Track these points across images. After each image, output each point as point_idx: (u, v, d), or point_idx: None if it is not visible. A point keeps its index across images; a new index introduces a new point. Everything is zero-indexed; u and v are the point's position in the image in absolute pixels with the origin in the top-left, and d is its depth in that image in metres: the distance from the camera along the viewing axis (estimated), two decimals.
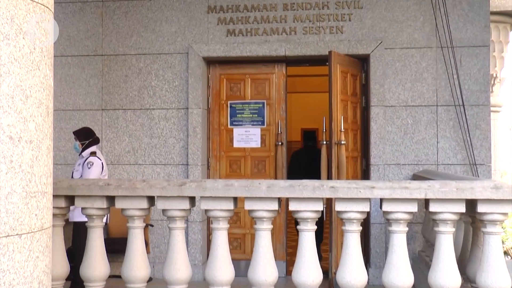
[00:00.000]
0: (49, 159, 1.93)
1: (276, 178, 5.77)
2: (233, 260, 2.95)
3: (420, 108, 5.59)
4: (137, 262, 2.93)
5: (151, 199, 2.95)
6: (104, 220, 3.13)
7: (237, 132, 5.97)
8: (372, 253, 5.55)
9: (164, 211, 2.95)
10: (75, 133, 5.04)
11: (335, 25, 5.70)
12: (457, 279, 2.77)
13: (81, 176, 4.79)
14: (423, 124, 5.58)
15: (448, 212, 2.75)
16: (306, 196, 2.78)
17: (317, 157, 6.80)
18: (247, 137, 5.96)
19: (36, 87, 1.82)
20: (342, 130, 5.23)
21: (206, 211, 2.92)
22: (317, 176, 5.58)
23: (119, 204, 2.92)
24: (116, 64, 5.95)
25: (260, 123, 5.96)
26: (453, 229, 2.83)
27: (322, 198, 2.81)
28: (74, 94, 5.99)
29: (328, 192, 2.77)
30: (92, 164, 4.79)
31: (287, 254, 5.96)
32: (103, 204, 2.92)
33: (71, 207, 3.14)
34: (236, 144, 5.98)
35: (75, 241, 4.61)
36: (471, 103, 5.52)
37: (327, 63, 5.23)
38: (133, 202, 2.90)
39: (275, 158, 5.88)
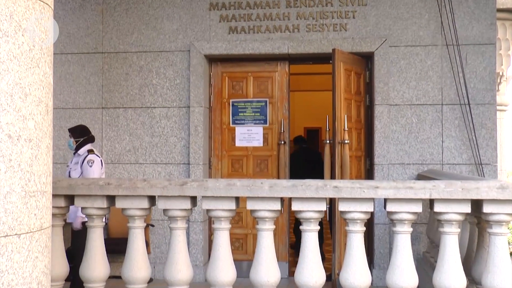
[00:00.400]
0: (49, 158, 1.91)
1: (278, 177, 5.75)
2: (235, 260, 2.93)
3: (425, 107, 5.55)
4: (137, 263, 2.91)
5: (152, 199, 2.93)
6: (104, 220, 3.10)
7: (239, 131, 5.94)
8: (376, 254, 5.53)
9: (165, 211, 2.93)
10: (70, 130, 5.00)
11: (339, 23, 5.66)
12: (462, 280, 2.75)
13: (81, 174, 4.75)
14: (428, 123, 5.54)
15: (453, 213, 2.73)
16: (309, 196, 2.76)
17: (314, 157, 6.93)
18: (249, 136, 5.93)
19: (35, 85, 1.81)
20: (346, 129, 5.20)
21: (208, 211, 2.90)
22: (316, 175, 5.59)
23: (119, 204, 2.90)
24: (117, 61, 5.92)
25: (262, 121, 5.92)
26: (458, 230, 2.81)
27: (325, 198, 2.79)
28: (74, 92, 5.97)
29: (332, 192, 2.75)
30: (93, 162, 4.76)
31: (289, 254, 5.93)
32: (103, 203, 2.90)
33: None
34: (238, 143, 5.95)
35: (74, 241, 4.58)
36: (477, 101, 5.48)
37: (330, 61, 5.20)
38: (134, 202, 2.88)
39: (277, 157, 5.85)
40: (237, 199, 2.86)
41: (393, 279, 2.76)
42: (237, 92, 5.99)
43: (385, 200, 2.78)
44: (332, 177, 5.02)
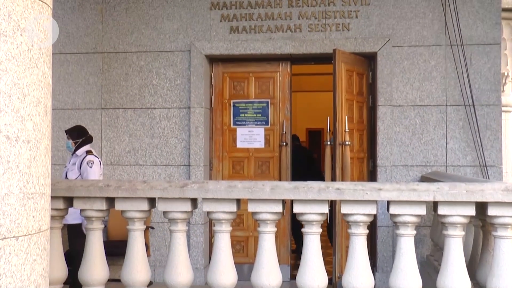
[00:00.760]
0: (47, 160, 1.90)
1: (280, 179, 5.72)
2: (236, 263, 2.91)
3: (429, 108, 5.52)
4: (137, 266, 2.89)
5: (152, 201, 2.92)
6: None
7: (241, 132, 5.91)
8: (379, 257, 5.49)
9: (165, 213, 2.91)
10: (67, 131, 4.96)
11: (342, 22, 5.63)
12: (467, 284, 2.73)
13: (80, 175, 4.72)
14: (431, 124, 5.50)
15: (458, 215, 2.71)
16: (311, 198, 2.74)
17: (305, 155, 7.12)
18: (250, 137, 5.90)
19: (34, 85, 1.80)
20: (347, 130, 5.17)
21: (208, 213, 2.89)
22: (306, 173, 5.74)
23: (119, 206, 2.89)
24: (116, 62, 5.89)
25: (264, 123, 5.89)
26: (463, 233, 2.79)
27: (328, 200, 2.77)
28: (73, 92, 5.94)
29: (334, 194, 2.73)
30: (93, 162, 4.73)
31: (291, 257, 5.90)
32: (103, 205, 2.88)
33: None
34: (239, 145, 5.92)
35: (73, 243, 4.56)
36: (482, 102, 5.44)
37: (332, 62, 5.16)
38: (134, 204, 2.87)
39: (279, 159, 5.82)
40: (238, 201, 2.84)
41: (396, 283, 2.74)
42: (238, 93, 5.96)
43: (388, 202, 2.76)
44: (333, 179, 4.99)
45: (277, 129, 5.87)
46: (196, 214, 5.51)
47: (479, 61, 5.45)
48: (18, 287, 1.71)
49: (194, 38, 5.81)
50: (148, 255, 5.39)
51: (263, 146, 5.88)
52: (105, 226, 3.46)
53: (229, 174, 5.93)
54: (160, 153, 5.81)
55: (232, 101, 5.95)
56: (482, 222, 3.11)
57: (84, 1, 5.96)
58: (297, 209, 2.78)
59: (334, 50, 5.16)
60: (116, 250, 4.41)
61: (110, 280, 3.03)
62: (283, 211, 2.85)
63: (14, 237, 1.70)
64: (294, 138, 7.38)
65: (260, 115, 5.90)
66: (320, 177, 6.30)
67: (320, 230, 2.85)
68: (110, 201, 2.90)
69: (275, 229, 2.87)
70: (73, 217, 4.41)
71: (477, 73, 5.46)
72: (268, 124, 5.89)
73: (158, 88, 5.84)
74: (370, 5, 5.61)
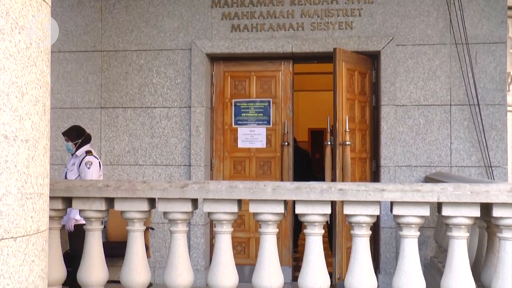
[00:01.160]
0: (46, 159, 1.89)
1: (282, 179, 5.71)
2: (237, 265, 2.90)
3: (433, 107, 5.48)
4: (137, 267, 2.88)
5: (151, 201, 2.90)
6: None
7: (242, 131, 5.89)
8: (382, 259, 5.46)
9: (165, 213, 2.90)
10: (65, 133, 4.90)
11: (344, 21, 5.59)
12: (471, 286, 2.71)
13: (79, 176, 4.70)
14: (436, 124, 5.46)
15: (462, 216, 2.69)
16: (313, 199, 2.73)
17: (303, 156, 7.23)
18: (252, 137, 5.88)
19: (32, 84, 1.79)
20: (347, 130, 5.13)
21: (209, 214, 2.87)
22: (306, 173, 5.76)
23: (118, 206, 2.87)
24: (116, 60, 5.86)
25: (265, 122, 5.87)
26: (467, 234, 2.77)
27: (330, 201, 2.75)
28: (72, 91, 5.91)
29: (337, 194, 2.72)
30: (92, 163, 4.71)
31: (293, 259, 5.88)
32: (102, 206, 2.87)
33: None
34: (240, 144, 5.89)
35: (72, 244, 4.54)
36: (487, 102, 5.40)
37: None
38: (133, 204, 2.85)
39: (281, 159, 5.80)
40: (239, 201, 2.83)
41: (400, 285, 2.72)
42: (240, 92, 5.94)
43: (392, 203, 2.74)
44: (333, 179, 4.96)
45: (279, 129, 5.85)
46: (196, 215, 5.49)
47: (485, 60, 5.42)
48: None
49: (195, 37, 5.78)
50: (148, 256, 5.37)
51: (264, 146, 5.86)
52: (104, 227, 3.45)
53: (230, 175, 5.91)
54: (160, 153, 5.78)
55: (233, 100, 5.93)
56: (487, 223, 3.09)
57: None
58: (299, 210, 2.77)
59: (335, 49, 5.14)
60: (115, 251, 4.41)
61: (109, 282, 3.01)
62: (285, 212, 2.83)
63: (12, 238, 1.69)
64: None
65: (261, 114, 5.87)
66: (314, 180, 6.28)
67: (323, 231, 2.84)
68: (110, 201, 2.88)
69: (277, 230, 2.86)
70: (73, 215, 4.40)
71: (482, 72, 5.42)
72: (269, 124, 5.86)
73: (158, 87, 5.81)
74: (373, 3, 5.57)
